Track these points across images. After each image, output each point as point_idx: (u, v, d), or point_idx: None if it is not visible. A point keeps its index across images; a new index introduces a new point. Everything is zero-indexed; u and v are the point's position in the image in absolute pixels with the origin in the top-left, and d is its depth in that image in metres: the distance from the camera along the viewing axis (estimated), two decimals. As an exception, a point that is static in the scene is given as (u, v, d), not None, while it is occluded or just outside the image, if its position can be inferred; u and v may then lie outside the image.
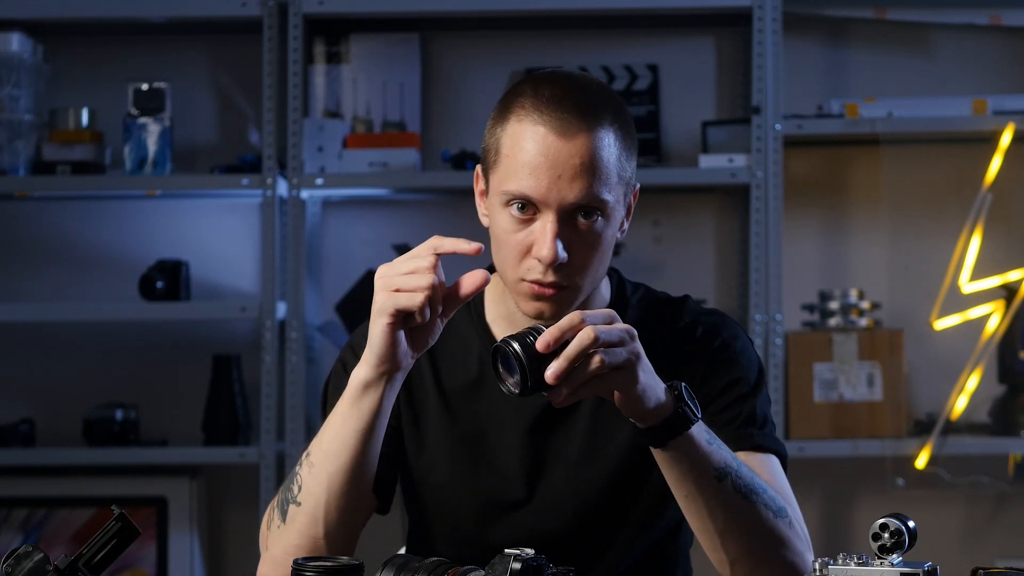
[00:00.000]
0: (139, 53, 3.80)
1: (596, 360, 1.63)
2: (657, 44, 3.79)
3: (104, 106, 3.67)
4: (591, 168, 1.79)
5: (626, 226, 1.90)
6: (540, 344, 1.62)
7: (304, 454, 1.83)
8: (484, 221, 1.90)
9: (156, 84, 3.56)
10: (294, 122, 3.54)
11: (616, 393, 1.68)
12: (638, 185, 1.92)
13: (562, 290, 1.81)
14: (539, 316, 1.83)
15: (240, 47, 3.74)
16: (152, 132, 3.54)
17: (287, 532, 1.81)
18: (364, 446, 1.79)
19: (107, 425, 3.60)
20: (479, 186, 1.91)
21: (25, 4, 3.58)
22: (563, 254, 1.79)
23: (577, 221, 1.80)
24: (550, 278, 1.80)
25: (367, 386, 1.77)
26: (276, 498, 1.86)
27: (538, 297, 1.82)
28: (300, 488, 1.81)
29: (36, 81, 3.62)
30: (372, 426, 1.78)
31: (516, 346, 1.64)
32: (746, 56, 3.66)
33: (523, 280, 1.82)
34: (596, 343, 1.62)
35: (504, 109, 1.84)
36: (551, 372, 1.62)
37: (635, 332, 1.67)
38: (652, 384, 1.69)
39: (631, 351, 1.66)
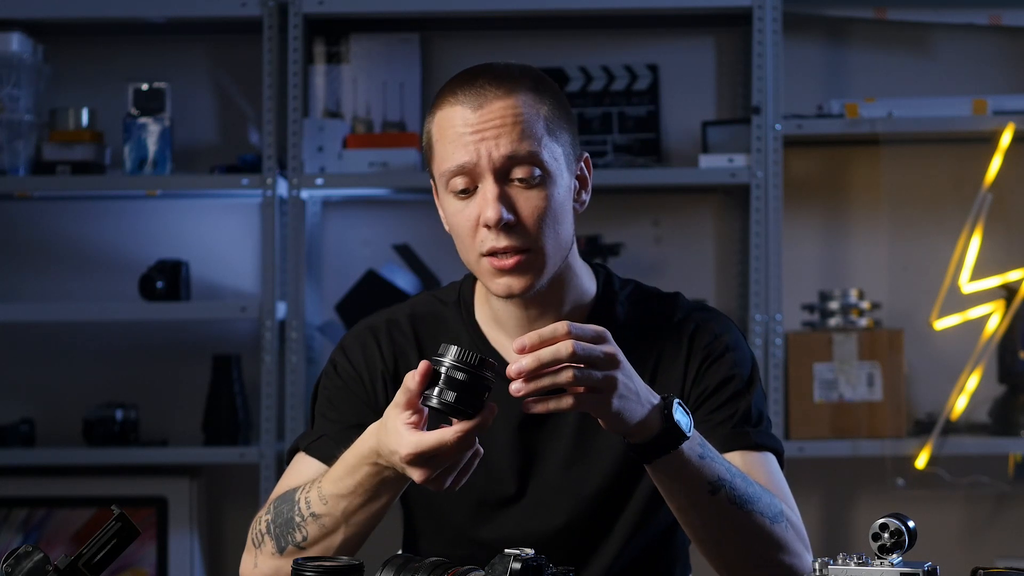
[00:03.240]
0: (139, 53, 3.80)
1: (567, 375, 1.61)
2: (657, 44, 3.79)
3: (104, 106, 3.67)
4: (512, 125, 1.80)
5: (585, 197, 1.91)
6: (516, 345, 1.62)
7: (305, 504, 1.79)
8: (447, 227, 1.91)
9: (156, 84, 3.56)
10: (294, 122, 3.54)
11: None
12: (587, 154, 1.92)
13: (523, 256, 1.81)
14: (509, 293, 1.83)
15: (240, 47, 3.74)
16: (152, 132, 3.54)
17: (281, 561, 1.81)
18: (382, 516, 1.79)
19: (107, 425, 3.60)
20: (436, 193, 1.92)
21: (25, 4, 3.58)
22: (507, 215, 1.79)
23: (516, 181, 1.81)
24: (503, 242, 1.80)
25: (395, 481, 1.74)
26: (266, 520, 1.83)
27: (501, 271, 1.82)
28: (305, 538, 1.79)
29: (36, 81, 3.62)
30: (392, 502, 1.78)
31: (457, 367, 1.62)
32: (746, 56, 3.66)
33: (482, 256, 1.82)
34: (573, 357, 1.61)
35: (431, 107, 1.87)
36: (514, 368, 1.60)
37: (620, 359, 1.65)
38: (629, 408, 1.66)
39: (608, 376, 1.63)
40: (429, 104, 1.89)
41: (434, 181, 1.89)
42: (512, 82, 1.83)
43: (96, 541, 1.48)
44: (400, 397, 1.67)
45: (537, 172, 1.81)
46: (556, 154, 1.83)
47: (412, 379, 1.65)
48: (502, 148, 1.80)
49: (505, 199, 1.80)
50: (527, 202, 1.81)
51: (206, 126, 3.81)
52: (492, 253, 1.81)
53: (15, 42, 3.55)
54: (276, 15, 3.56)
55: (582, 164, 1.90)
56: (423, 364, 1.64)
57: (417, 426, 1.66)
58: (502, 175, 1.80)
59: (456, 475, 1.68)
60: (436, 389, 1.62)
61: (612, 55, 3.76)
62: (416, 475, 1.67)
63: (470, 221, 1.82)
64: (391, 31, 3.73)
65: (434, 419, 1.67)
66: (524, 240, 1.80)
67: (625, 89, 3.74)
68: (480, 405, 1.62)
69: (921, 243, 3.75)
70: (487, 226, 1.80)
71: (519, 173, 1.81)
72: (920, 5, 3.70)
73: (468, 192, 1.82)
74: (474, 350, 1.63)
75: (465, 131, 1.80)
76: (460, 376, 1.61)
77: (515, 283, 1.82)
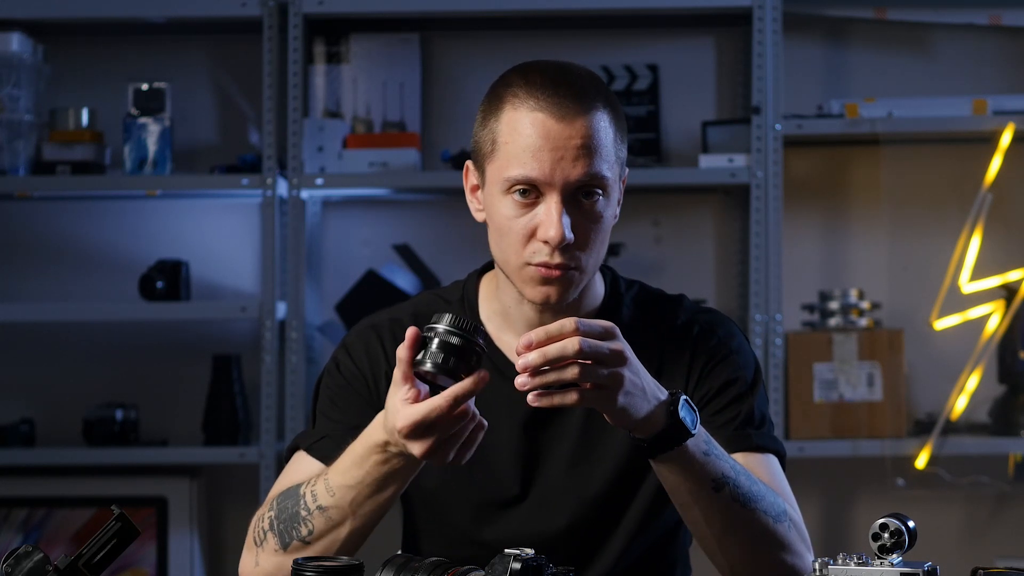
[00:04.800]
0: (139, 53, 3.80)
1: (572, 371, 1.62)
2: (657, 44, 3.79)
3: (104, 106, 3.67)
4: (591, 148, 1.79)
5: (618, 211, 1.90)
6: (524, 341, 1.62)
7: (311, 497, 1.79)
8: (478, 217, 1.90)
9: (156, 84, 3.56)
10: (294, 122, 3.54)
11: None
12: (627, 170, 1.91)
13: (568, 271, 1.81)
14: (546, 301, 1.83)
15: (240, 47, 3.74)
16: (152, 132, 3.54)
17: (285, 558, 1.81)
18: (389, 507, 1.80)
19: (107, 425, 3.60)
20: (470, 181, 1.90)
21: (25, 4, 3.58)
22: (570, 234, 1.79)
23: (580, 201, 1.80)
24: (557, 259, 1.79)
25: (403, 470, 1.75)
26: (268, 517, 1.83)
27: (545, 281, 1.81)
28: (311, 531, 1.79)
29: (36, 81, 3.62)
30: (399, 492, 1.79)
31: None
32: (746, 56, 3.66)
33: (528, 264, 1.81)
34: (579, 354, 1.61)
35: (496, 100, 1.84)
36: (521, 362, 1.61)
37: (627, 355, 1.66)
38: (635, 404, 1.67)
39: (614, 373, 1.64)
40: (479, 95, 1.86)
41: (481, 173, 1.86)
42: (592, 98, 1.81)
43: (96, 541, 1.48)
44: (396, 372, 1.68)
45: (599, 192, 1.81)
46: (615, 174, 1.84)
47: (402, 349, 1.67)
48: (578, 170, 1.78)
49: (568, 218, 1.79)
50: (585, 222, 1.81)
51: (206, 126, 3.81)
52: (542, 265, 1.81)
53: (15, 42, 3.55)
54: (276, 15, 3.56)
55: (621, 181, 1.90)
56: (411, 331, 1.66)
57: (414, 400, 1.67)
58: (569, 193, 1.79)
59: (459, 448, 1.68)
60: (428, 353, 1.65)
61: (612, 55, 3.76)
62: (416, 448, 1.67)
63: (525, 230, 1.81)
64: (391, 31, 3.73)
65: (432, 395, 1.68)
66: (574, 259, 1.81)
67: (625, 89, 3.74)
68: (472, 369, 1.65)
69: (921, 243, 3.75)
70: (545, 241, 1.79)
71: (585, 194, 1.80)
72: (920, 5, 3.70)
73: (529, 200, 1.80)
74: (467, 318, 1.65)
75: (543, 143, 1.78)
76: (454, 340, 1.64)
77: (554, 293, 1.82)
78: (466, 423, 1.68)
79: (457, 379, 1.64)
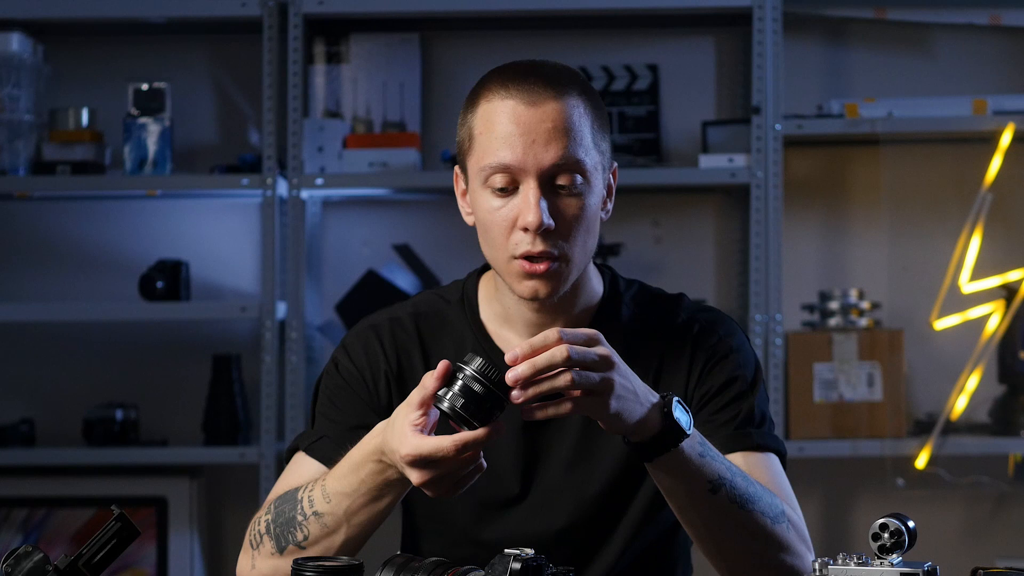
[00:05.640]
0: (139, 53, 3.80)
1: (565, 378, 1.61)
2: (657, 44, 3.79)
3: (104, 106, 3.67)
4: (564, 130, 1.79)
5: (609, 206, 1.89)
6: (509, 356, 1.61)
7: (308, 502, 1.79)
8: (468, 220, 1.90)
9: (156, 84, 3.56)
10: (294, 122, 3.54)
11: None
12: (616, 164, 1.91)
13: (553, 262, 1.80)
14: (535, 296, 1.82)
15: (240, 47, 3.74)
16: (152, 132, 3.54)
17: (281, 561, 1.81)
18: (384, 517, 1.79)
19: (107, 425, 3.60)
20: (459, 186, 1.91)
21: (25, 4, 3.58)
22: (548, 219, 1.78)
23: (558, 187, 1.80)
24: (539, 247, 1.79)
25: (399, 482, 1.75)
26: (265, 520, 1.83)
27: (531, 275, 1.81)
28: (307, 537, 1.79)
29: (36, 81, 3.62)
30: (395, 503, 1.79)
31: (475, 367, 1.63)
32: (746, 56, 3.66)
33: (513, 258, 1.81)
34: (567, 361, 1.61)
35: (472, 97, 1.85)
36: (511, 375, 1.60)
37: (615, 360, 1.65)
38: (628, 408, 1.66)
39: (604, 378, 1.63)
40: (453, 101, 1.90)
41: (464, 174, 1.87)
42: (565, 84, 1.81)
43: (96, 541, 1.48)
44: (415, 395, 1.67)
45: (579, 180, 1.80)
46: (596, 163, 1.83)
47: (430, 377, 1.65)
48: (551, 153, 1.78)
49: (547, 204, 1.79)
50: (566, 209, 1.80)
51: (206, 126, 3.81)
52: (525, 256, 1.80)
53: (15, 42, 3.55)
54: (276, 15, 3.56)
55: (610, 174, 1.89)
56: (442, 364, 1.65)
57: (423, 428, 1.66)
58: (546, 179, 1.79)
59: (454, 484, 1.68)
60: (450, 393, 1.63)
61: (612, 55, 3.76)
62: (414, 477, 1.68)
63: (506, 221, 1.81)
64: (391, 31, 3.73)
65: (443, 425, 1.67)
66: (558, 247, 1.80)
67: (625, 89, 3.74)
68: (487, 420, 1.63)
69: (921, 243, 3.75)
70: (525, 229, 1.79)
71: (563, 180, 1.80)
72: (920, 5, 3.70)
73: (507, 191, 1.80)
74: (496, 366, 1.62)
75: (515, 129, 1.78)
76: (476, 387, 1.62)
77: (541, 288, 1.82)
78: (468, 467, 1.67)
79: (470, 427, 1.63)
